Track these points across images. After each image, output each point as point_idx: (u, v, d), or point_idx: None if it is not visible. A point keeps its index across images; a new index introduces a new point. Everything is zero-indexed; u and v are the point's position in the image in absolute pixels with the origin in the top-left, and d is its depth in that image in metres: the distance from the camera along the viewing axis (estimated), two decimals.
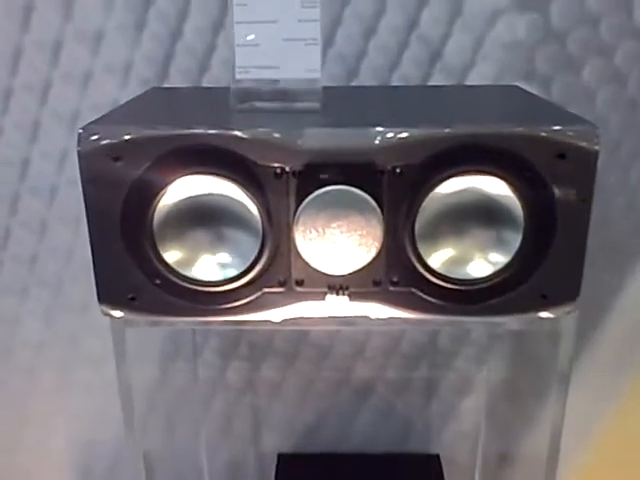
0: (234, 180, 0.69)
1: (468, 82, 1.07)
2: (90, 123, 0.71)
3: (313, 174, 0.70)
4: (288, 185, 0.70)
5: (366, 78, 1.08)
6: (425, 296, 0.74)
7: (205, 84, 1.06)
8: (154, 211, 0.70)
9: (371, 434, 1.31)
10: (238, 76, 0.78)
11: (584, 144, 0.69)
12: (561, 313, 0.75)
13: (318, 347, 1.25)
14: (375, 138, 0.69)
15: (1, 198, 1.13)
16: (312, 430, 1.31)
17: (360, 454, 1.31)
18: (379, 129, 0.69)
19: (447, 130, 0.69)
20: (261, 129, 0.69)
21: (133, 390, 0.79)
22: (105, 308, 0.74)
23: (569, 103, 1.07)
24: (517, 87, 0.97)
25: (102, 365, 1.22)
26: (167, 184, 0.69)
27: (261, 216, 0.70)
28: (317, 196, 0.69)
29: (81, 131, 0.69)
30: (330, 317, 0.76)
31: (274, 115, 0.76)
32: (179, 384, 1.25)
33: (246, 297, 0.74)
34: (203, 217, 0.71)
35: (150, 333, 1.18)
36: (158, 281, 0.73)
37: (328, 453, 1.32)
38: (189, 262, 0.72)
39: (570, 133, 0.69)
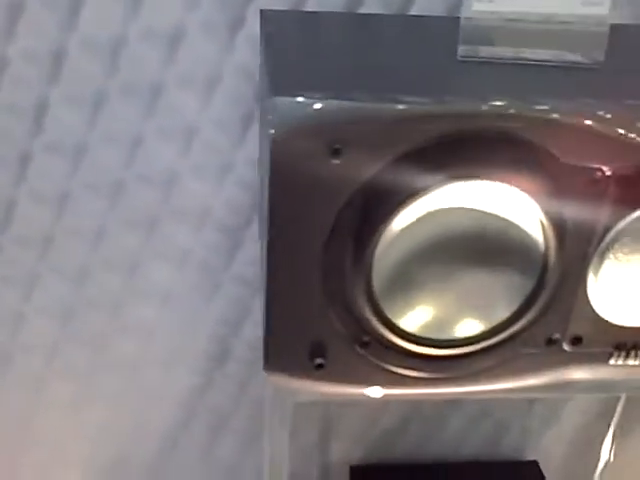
0: (522, 187, 0.42)
1: None
2: (283, 86, 0.41)
3: None
4: (603, 197, 0.43)
5: None
6: None
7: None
8: (380, 237, 0.42)
9: (458, 439, 1.10)
10: (477, 5, 0.49)
11: None
12: None
13: None
14: None
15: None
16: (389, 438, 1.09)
17: (445, 463, 1.11)
18: None
19: None
20: (567, 105, 0.42)
21: None
22: (273, 375, 0.47)
23: None
24: None
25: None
26: (414, 194, 0.41)
27: (548, 243, 0.44)
28: None
29: (277, 101, 0.39)
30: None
31: (535, 74, 0.49)
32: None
33: (494, 361, 0.48)
34: (458, 247, 0.44)
35: None
36: (367, 339, 0.46)
37: (408, 464, 1.10)
38: (420, 314, 0.46)
39: None
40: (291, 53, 0.50)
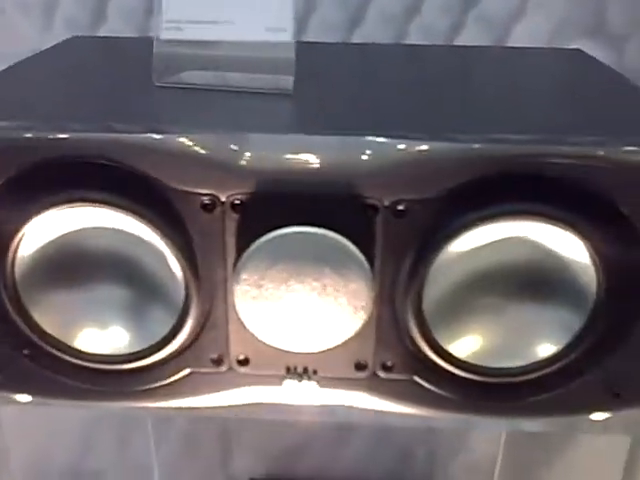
0: (137, 214, 0.43)
1: (511, 40, 0.79)
2: None
3: (264, 207, 0.44)
4: (224, 223, 0.44)
5: (372, 29, 0.80)
6: (432, 387, 0.49)
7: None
8: (14, 257, 0.45)
9: (363, 460, 1.09)
10: (165, 34, 0.51)
11: None
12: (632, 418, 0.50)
13: None
14: (365, 154, 0.43)
15: None
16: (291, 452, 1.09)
17: None
18: (373, 139, 0.43)
19: (479, 146, 0.42)
20: (179, 132, 0.43)
21: None
22: None
23: None
24: (580, 52, 0.68)
25: None
26: (27, 219, 0.43)
27: (183, 267, 0.45)
28: (269, 240, 0.43)
29: None
30: (289, 405, 0.51)
31: (214, 99, 0.50)
32: None
33: (163, 379, 0.49)
34: (87, 270, 0.46)
35: None
36: (27, 352, 0.48)
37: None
38: (73, 329, 0.48)
39: None
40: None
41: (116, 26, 0.80)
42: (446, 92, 0.54)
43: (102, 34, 0.80)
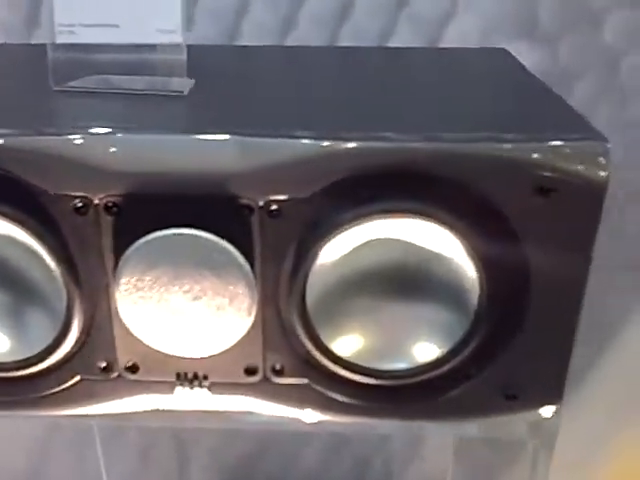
0: (11, 218, 0.43)
1: (445, 42, 0.79)
2: None
3: (139, 210, 0.43)
4: (99, 226, 0.44)
5: (305, 31, 0.80)
6: (327, 391, 0.49)
7: None
8: None
9: (320, 471, 1.08)
10: (59, 38, 0.51)
11: (582, 171, 0.42)
12: (533, 421, 0.49)
13: None
14: (234, 153, 0.42)
15: None
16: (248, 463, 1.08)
17: None
18: (242, 138, 0.42)
19: (354, 145, 0.42)
20: (48, 133, 0.42)
21: None
22: None
23: (583, 73, 0.78)
24: (504, 52, 0.68)
25: None
26: None
27: (62, 273, 0.44)
28: (146, 243, 0.43)
29: None
30: (184, 411, 0.50)
31: (103, 102, 0.49)
32: None
33: (54, 386, 0.49)
34: None
35: None
36: None
37: None
38: None
39: (558, 152, 0.42)
40: None
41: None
42: (342, 93, 0.54)
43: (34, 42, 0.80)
